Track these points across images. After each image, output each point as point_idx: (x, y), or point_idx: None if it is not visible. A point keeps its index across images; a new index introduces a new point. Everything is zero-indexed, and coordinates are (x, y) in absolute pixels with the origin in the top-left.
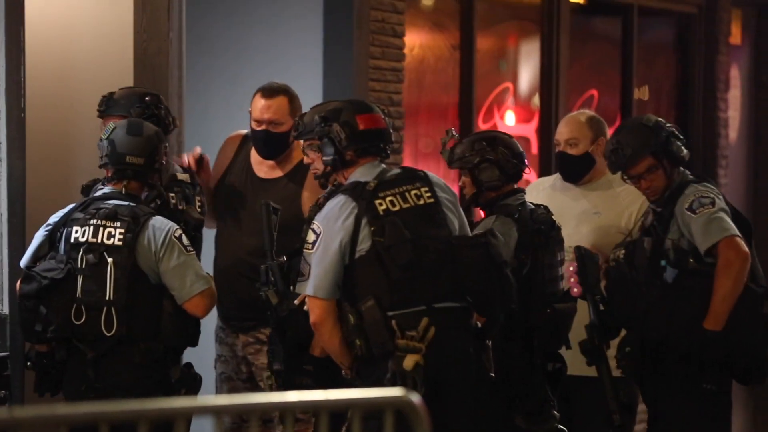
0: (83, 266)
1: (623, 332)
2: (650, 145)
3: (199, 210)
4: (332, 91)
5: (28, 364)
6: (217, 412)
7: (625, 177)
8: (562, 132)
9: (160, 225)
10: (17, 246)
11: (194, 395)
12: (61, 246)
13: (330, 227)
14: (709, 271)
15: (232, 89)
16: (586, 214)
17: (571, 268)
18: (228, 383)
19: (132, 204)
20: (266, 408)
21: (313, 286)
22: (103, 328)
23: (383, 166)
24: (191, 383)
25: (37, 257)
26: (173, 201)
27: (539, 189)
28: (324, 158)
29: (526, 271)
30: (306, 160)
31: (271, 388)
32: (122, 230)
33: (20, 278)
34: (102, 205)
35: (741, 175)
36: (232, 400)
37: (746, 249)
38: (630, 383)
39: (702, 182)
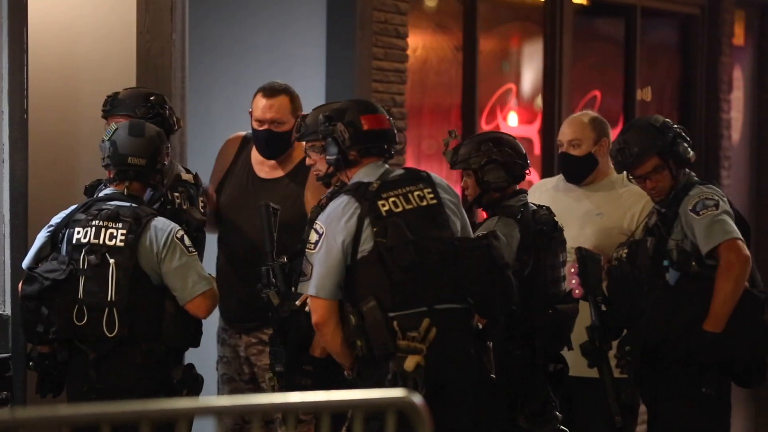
0: (85, 267)
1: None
2: (657, 145)
3: (201, 210)
4: (335, 92)
5: (30, 365)
6: (218, 413)
7: (631, 177)
8: (565, 133)
9: (162, 226)
10: (19, 247)
11: (196, 396)
12: (63, 247)
13: (333, 227)
14: (710, 274)
15: (234, 90)
16: (589, 215)
17: (572, 270)
18: (230, 384)
19: (134, 205)
20: (268, 409)
21: (315, 286)
22: (104, 329)
23: (386, 166)
24: (193, 384)
25: (39, 258)
26: (178, 201)
27: (542, 190)
28: (327, 158)
29: (528, 272)
30: (308, 161)
31: (273, 390)
32: (124, 231)
33: (22, 279)
34: (104, 206)
35: (743, 177)
36: (234, 401)
37: (747, 252)
38: (631, 384)
39: (707, 184)
